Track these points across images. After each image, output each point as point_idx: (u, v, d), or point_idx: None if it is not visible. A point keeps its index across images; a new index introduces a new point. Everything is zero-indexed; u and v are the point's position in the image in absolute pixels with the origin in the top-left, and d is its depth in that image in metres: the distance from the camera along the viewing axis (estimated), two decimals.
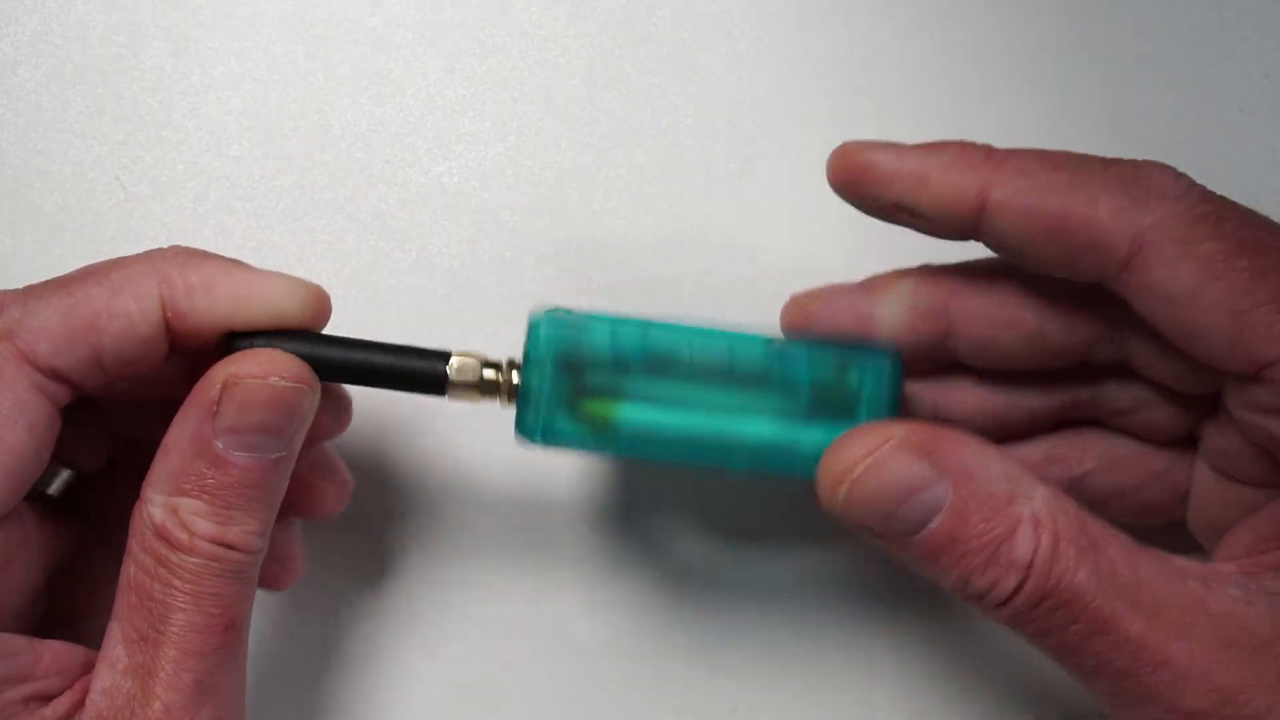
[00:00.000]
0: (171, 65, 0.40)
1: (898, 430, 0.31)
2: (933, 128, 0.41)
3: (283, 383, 0.31)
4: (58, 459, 0.34)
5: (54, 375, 0.31)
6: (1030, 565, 0.29)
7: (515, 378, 0.33)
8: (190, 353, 0.33)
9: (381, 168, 0.40)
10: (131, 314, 0.31)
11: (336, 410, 0.36)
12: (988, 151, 0.32)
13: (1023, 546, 0.29)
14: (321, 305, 0.33)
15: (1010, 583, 0.30)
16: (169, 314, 0.31)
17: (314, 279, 0.33)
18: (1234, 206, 0.30)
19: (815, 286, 0.35)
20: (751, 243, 0.40)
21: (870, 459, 0.30)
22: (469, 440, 0.39)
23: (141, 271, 0.31)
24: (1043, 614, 0.30)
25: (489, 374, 0.33)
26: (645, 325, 0.33)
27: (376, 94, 0.41)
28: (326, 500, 0.35)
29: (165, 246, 0.32)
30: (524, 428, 0.33)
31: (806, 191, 0.41)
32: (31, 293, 0.31)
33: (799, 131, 0.41)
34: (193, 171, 0.40)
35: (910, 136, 0.41)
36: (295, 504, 0.35)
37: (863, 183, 0.32)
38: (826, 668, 0.39)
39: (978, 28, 0.41)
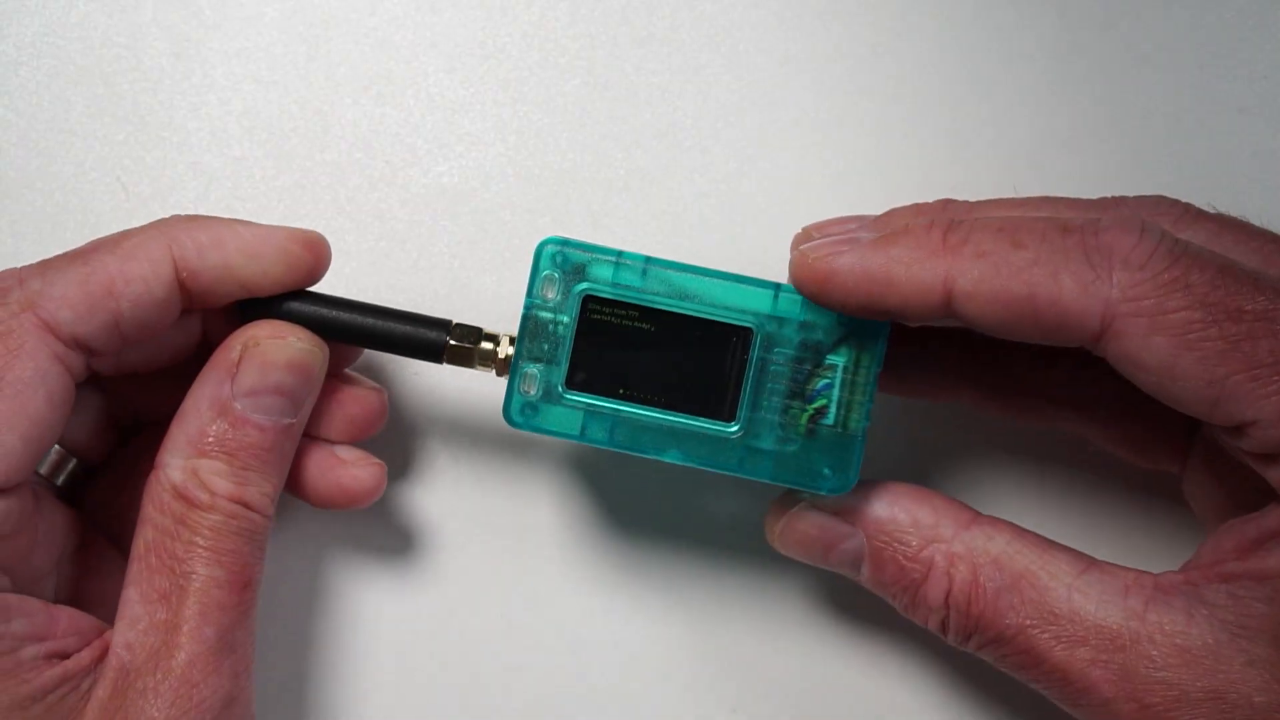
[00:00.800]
0: (172, 66, 0.40)
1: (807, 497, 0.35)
2: (932, 128, 0.41)
3: (299, 344, 0.33)
4: (65, 446, 0.35)
5: (75, 344, 0.32)
6: (947, 605, 0.32)
7: (510, 350, 0.34)
8: (200, 312, 0.34)
9: (381, 168, 0.40)
10: (147, 277, 0.32)
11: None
12: (945, 231, 0.31)
13: (935, 589, 0.32)
14: (323, 250, 0.34)
15: (934, 621, 0.33)
16: (183, 274, 0.33)
17: None
18: (1203, 261, 0.30)
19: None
20: (751, 243, 0.40)
21: (785, 518, 0.35)
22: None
23: (151, 237, 0.33)
24: (978, 646, 0.32)
25: (486, 345, 0.34)
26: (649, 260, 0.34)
27: (376, 94, 0.41)
28: (369, 402, 0.36)
29: (167, 216, 0.34)
30: (511, 406, 0.33)
31: (806, 191, 0.41)
32: (48, 265, 0.32)
33: (799, 131, 0.41)
34: (193, 171, 0.40)
35: (909, 136, 0.41)
36: (340, 415, 0.36)
37: (829, 291, 0.32)
38: (827, 668, 0.39)
39: (977, 28, 0.41)
